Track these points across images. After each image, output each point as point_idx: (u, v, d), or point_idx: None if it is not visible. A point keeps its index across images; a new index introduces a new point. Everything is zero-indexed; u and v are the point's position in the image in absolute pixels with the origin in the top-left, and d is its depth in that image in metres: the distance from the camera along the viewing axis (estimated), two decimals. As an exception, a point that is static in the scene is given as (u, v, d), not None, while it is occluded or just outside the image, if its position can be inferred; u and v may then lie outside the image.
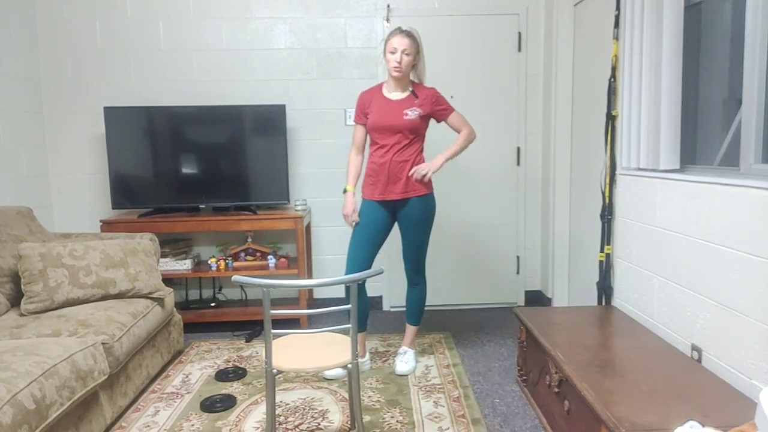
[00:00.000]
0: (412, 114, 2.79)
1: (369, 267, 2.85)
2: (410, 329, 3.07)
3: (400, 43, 2.71)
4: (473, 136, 2.87)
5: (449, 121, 2.88)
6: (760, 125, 1.97)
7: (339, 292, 4.02)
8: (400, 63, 2.72)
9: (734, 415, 1.71)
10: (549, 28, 3.83)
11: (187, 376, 2.97)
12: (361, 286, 2.87)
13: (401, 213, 2.86)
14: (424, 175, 2.77)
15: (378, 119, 2.82)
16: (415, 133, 2.82)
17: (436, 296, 4.16)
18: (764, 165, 1.96)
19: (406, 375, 2.94)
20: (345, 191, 2.91)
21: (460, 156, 4.02)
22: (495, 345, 3.38)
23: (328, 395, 2.71)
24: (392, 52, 2.72)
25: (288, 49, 3.94)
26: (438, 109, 2.85)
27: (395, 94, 2.85)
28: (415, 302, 3.03)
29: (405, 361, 2.99)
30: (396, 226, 3.06)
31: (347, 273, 2.82)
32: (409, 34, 2.75)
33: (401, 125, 2.78)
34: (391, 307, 4.17)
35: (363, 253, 2.84)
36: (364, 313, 2.94)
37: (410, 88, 2.86)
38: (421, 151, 2.89)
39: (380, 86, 2.92)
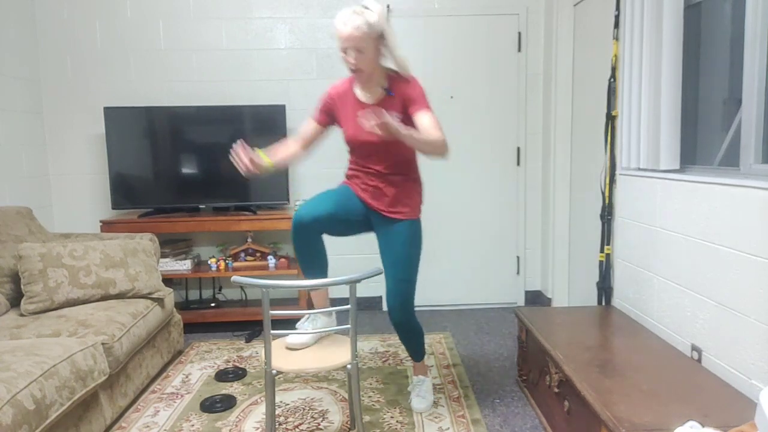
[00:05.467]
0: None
1: (323, 218, 2.27)
2: (416, 364, 2.65)
3: (346, 39, 2.09)
4: (444, 146, 2.17)
5: (417, 121, 2.19)
6: (760, 125, 1.97)
7: (339, 292, 4.01)
8: (355, 63, 2.13)
9: (734, 415, 1.70)
10: (549, 28, 3.83)
11: (187, 377, 2.97)
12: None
13: (381, 228, 2.39)
14: (380, 123, 1.95)
15: (356, 132, 2.28)
16: (399, 143, 2.21)
17: (436, 296, 4.16)
18: (764, 165, 1.96)
19: (424, 412, 2.52)
20: (259, 153, 2.25)
21: (460, 156, 4.02)
22: (495, 345, 3.38)
23: (328, 395, 2.71)
24: (344, 51, 2.14)
25: (288, 49, 3.94)
26: (409, 101, 2.21)
27: (367, 95, 2.28)
28: (413, 344, 2.55)
29: (422, 395, 2.56)
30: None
31: (299, 210, 2.27)
32: (355, 25, 2.07)
33: (380, 139, 2.18)
34: (391, 307, 4.16)
35: (326, 203, 2.28)
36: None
37: (384, 86, 2.26)
38: (415, 158, 2.40)
39: (351, 80, 2.33)
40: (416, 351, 2.57)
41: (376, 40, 2.13)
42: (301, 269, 2.39)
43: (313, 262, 2.34)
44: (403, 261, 2.35)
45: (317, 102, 2.40)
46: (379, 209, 2.36)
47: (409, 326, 2.44)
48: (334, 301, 4.08)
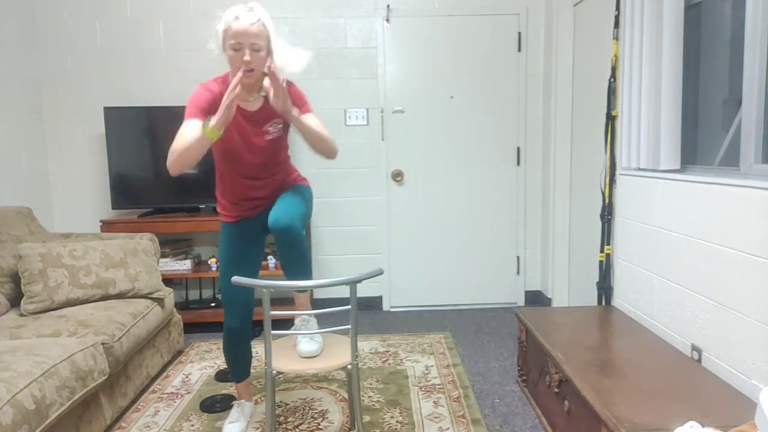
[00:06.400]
0: (274, 130, 2.12)
1: (250, 310, 2.28)
2: (301, 297, 2.39)
3: (242, 34, 1.89)
4: (334, 144, 2.14)
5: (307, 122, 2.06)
6: (760, 125, 1.97)
7: (339, 292, 4.01)
8: (249, 62, 1.91)
9: (734, 415, 1.70)
10: (549, 28, 3.83)
11: (187, 377, 2.97)
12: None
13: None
14: (274, 83, 1.88)
15: (236, 146, 2.08)
16: (282, 152, 2.19)
17: (436, 296, 4.16)
18: (764, 165, 1.96)
19: (314, 356, 2.02)
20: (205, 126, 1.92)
21: (460, 156, 4.03)
22: (495, 345, 3.38)
23: (328, 395, 2.71)
24: (236, 49, 1.91)
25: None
26: (295, 105, 2.03)
27: (249, 102, 2.08)
28: (298, 261, 2.13)
29: (312, 337, 2.05)
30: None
31: (227, 320, 2.26)
32: (253, 20, 1.90)
33: (265, 149, 2.11)
34: (391, 307, 4.17)
35: (244, 293, 2.23)
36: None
37: (263, 91, 2.08)
38: (287, 147, 2.27)
39: (224, 82, 2.06)
40: (302, 272, 2.12)
41: (267, 40, 1.97)
42: (230, 369, 2.44)
43: (241, 360, 2.41)
44: (299, 194, 2.20)
45: (194, 99, 2.01)
46: (272, 201, 2.25)
47: (295, 234, 2.04)
48: (334, 302, 4.08)
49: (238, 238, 2.27)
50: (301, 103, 2.09)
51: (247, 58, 1.91)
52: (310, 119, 2.06)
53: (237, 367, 2.42)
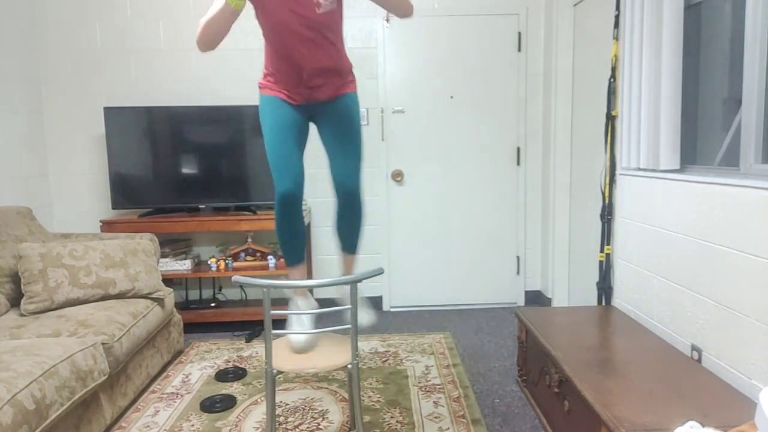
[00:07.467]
0: (325, 2, 1.94)
1: (302, 174, 2.12)
2: (349, 258, 2.40)
3: None
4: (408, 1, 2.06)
5: None
6: (760, 125, 1.97)
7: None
8: None
9: (734, 415, 1.70)
10: (549, 28, 3.83)
11: (187, 377, 2.97)
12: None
13: (321, 116, 2.19)
14: None
15: (283, 17, 1.93)
16: (333, 31, 2.03)
17: (436, 296, 4.16)
18: (764, 165, 1.96)
19: (369, 326, 2.25)
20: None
21: (460, 156, 4.03)
22: (495, 345, 3.38)
23: (328, 395, 2.71)
24: None
25: (288, 49, 3.93)
26: None
27: None
28: (355, 226, 2.28)
29: (362, 305, 2.25)
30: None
31: (280, 184, 2.06)
32: None
33: (316, 23, 1.95)
34: (391, 307, 4.17)
35: (295, 157, 2.09)
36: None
37: None
38: (341, 28, 2.11)
39: None
40: (355, 235, 2.28)
41: None
42: (283, 248, 2.22)
43: (298, 236, 2.19)
44: (354, 132, 2.19)
45: None
46: (320, 99, 2.15)
47: (357, 200, 2.20)
48: (335, 301, 4.08)
49: (282, 109, 2.12)
50: None
51: None
52: None
53: (294, 244, 2.16)
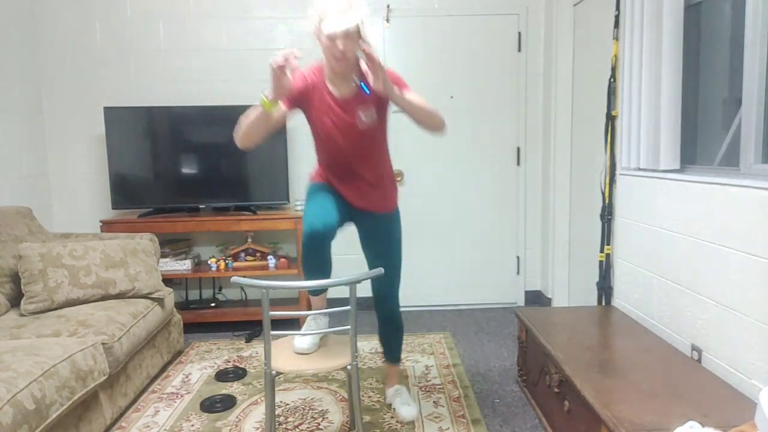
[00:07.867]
0: (367, 119, 2.12)
1: (335, 227, 2.13)
2: (392, 369, 2.63)
3: (341, 31, 1.91)
4: (441, 117, 2.14)
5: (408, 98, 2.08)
6: (760, 125, 1.97)
7: (339, 292, 4.02)
8: (343, 54, 1.96)
9: (734, 415, 1.70)
10: (549, 28, 3.83)
11: (187, 377, 2.97)
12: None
13: (364, 220, 2.35)
14: (371, 63, 1.90)
15: (329, 131, 2.12)
16: (376, 144, 2.21)
17: (436, 296, 4.16)
18: (764, 165, 1.96)
19: (413, 420, 2.45)
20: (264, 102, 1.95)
21: (460, 156, 4.02)
22: (495, 345, 3.38)
23: (327, 395, 2.71)
24: (330, 39, 1.94)
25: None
26: (396, 85, 2.05)
27: (342, 89, 2.11)
28: (396, 340, 2.57)
29: (407, 402, 2.51)
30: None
31: (309, 225, 2.07)
32: (352, 15, 1.91)
33: (358, 137, 2.13)
34: (391, 307, 4.16)
35: (331, 211, 2.13)
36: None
37: (355, 79, 2.10)
38: (386, 140, 2.28)
39: (320, 71, 2.12)
40: (397, 349, 2.57)
41: (360, 28, 1.96)
42: (307, 278, 2.24)
43: (323, 270, 2.21)
44: (394, 249, 2.40)
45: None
46: (365, 208, 2.30)
47: (396, 317, 2.51)
48: (335, 302, 4.08)
49: (330, 189, 2.27)
50: (399, 84, 2.08)
51: (338, 49, 1.94)
52: (411, 96, 2.06)
53: (319, 278, 2.15)
